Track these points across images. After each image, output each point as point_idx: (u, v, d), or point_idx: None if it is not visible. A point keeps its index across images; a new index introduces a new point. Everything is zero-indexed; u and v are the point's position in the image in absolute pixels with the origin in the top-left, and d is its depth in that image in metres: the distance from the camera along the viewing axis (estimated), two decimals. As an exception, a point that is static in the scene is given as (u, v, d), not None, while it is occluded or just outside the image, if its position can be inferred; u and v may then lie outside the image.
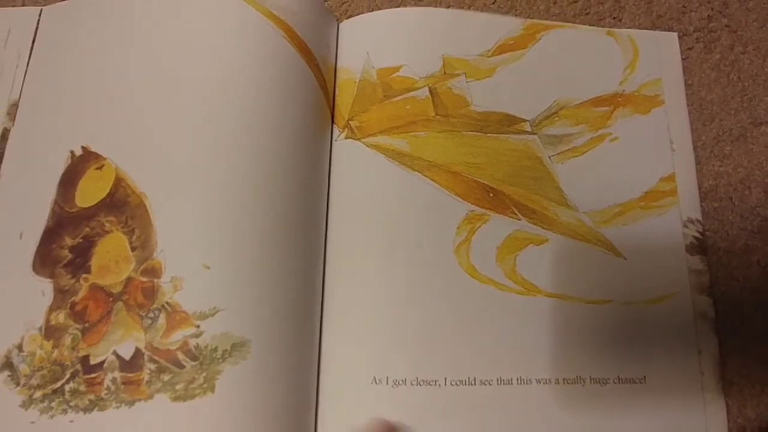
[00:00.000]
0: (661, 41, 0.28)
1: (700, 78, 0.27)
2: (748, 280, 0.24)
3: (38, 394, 0.21)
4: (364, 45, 0.26)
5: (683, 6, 0.29)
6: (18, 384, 0.22)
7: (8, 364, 0.22)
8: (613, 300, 0.23)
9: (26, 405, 0.21)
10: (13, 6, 0.29)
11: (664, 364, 0.23)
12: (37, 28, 0.27)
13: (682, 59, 0.28)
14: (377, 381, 0.22)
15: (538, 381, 0.22)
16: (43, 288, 0.22)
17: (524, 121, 0.25)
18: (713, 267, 0.24)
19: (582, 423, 0.22)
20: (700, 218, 0.25)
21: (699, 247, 0.24)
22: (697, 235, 0.25)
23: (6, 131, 0.26)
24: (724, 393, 0.23)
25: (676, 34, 0.28)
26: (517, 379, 0.22)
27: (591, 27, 0.27)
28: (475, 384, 0.22)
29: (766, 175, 0.26)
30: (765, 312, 0.24)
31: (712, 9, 0.28)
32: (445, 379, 0.22)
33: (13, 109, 0.26)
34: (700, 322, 0.23)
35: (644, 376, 0.22)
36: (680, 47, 0.28)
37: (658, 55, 0.27)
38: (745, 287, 0.24)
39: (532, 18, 0.28)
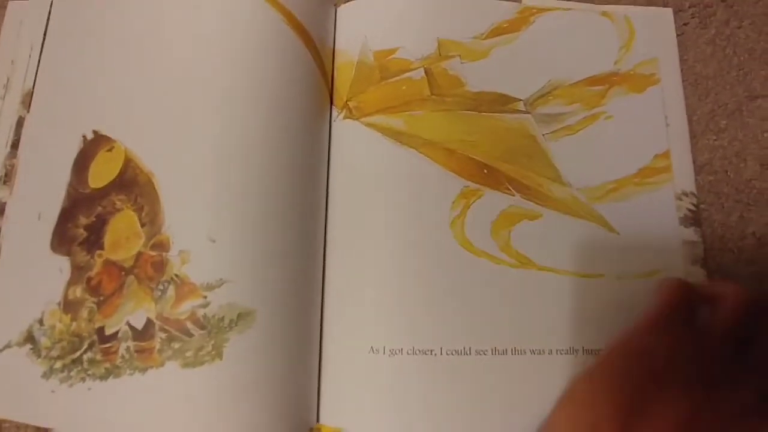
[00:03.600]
0: (656, 18, 0.28)
1: (696, 53, 0.27)
2: (743, 252, 0.25)
3: (58, 364, 0.23)
4: (361, 28, 0.27)
5: (679, -17, 0.29)
6: (39, 356, 0.23)
7: (30, 338, 0.23)
8: (606, 274, 0.24)
9: (47, 375, 0.23)
10: None
11: None
12: (48, 18, 0.29)
13: (678, 35, 0.28)
14: (374, 350, 0.22)
15: (532, 351, 0.23)
16: (61, 265, 0.24)
17: (518, 100, 0.26)
18: (708, 239, 0.25)
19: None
20: (694, 191, 0.25)
21: (693, 219, 0.25)
22: (691, 207, 0.25)
23: (21, 119, 0.27)
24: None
25: (671, 9, 0.28)
26: (512, 350, 0.23)
27: (586, 9, 0.28)
28: (470, 354, 0.23)
29: (761, 148, 0.26)
30: (760, 283, 0.24)
31: (708, -16, 0.29)
32: (441, 348, 0.23)
33: (27, 98, 0.27)
34: None
35: None
36: (675, 23, 0.28)
37: (654, 33, 0.27)
38: (741, 259, 0.24)
39: (529, -2, 0.28)
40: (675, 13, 0.28)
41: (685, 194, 0.25)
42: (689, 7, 0.28)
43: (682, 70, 0.27)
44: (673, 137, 0.26)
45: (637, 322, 0.21)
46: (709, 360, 0.19)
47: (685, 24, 0.28)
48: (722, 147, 0.26)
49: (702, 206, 0.25)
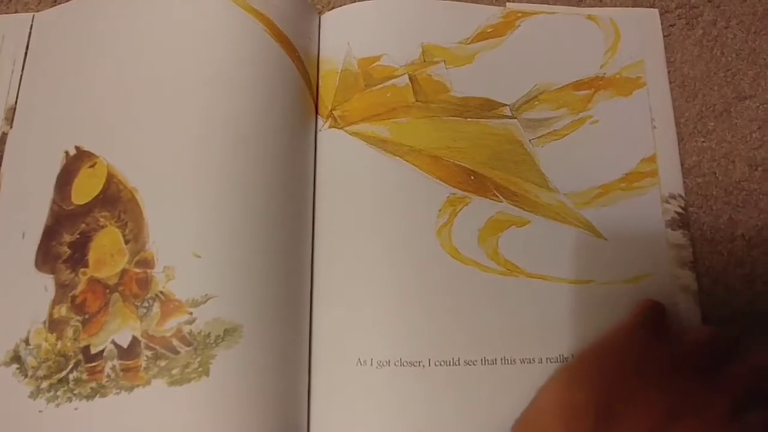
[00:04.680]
0: (642, 20, 0.28)
1: (683, 54, 0.27)
2: (733, 254, 0.24)
3: (45, 384, 0.22)
4: (344, 36, 0.27)
5: (665, -17, 0.28)
6: (26, 376, 0.23)
7: (17, 358, 0.23)
8: (595, 280, 0.24)
9: (34, 395, 0.22)
10: (7, 12, 0.30)
11: None
12: (30, 33, 0.28)
13: (664, 36, 0.28)
14: (362, 362, 0.22)
15: (522, 361, 0.23)
16: (46, 283, 0.24)
17: (504, 105, 0.26)
18: (697, 242, 0.25)
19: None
20: (682, 194, 0.25)
21: (681, 221, 0.25)
22: (679, 210, 0.25)
23: (4, 135, 0.27)
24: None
25: (657, 10, 0.28)
26: (502, 359, 0.23)
27: (571, 12, 0.28)
28: (459, 364, 0.23)
29: (750, 149, 0.26)
30: (749, 285, 0.24)
31: (694, -15, 0.28)
32: (430, 359, 0.22)
33: (10, 114, 0.27)
34: (682, 295, 0.24)
35: None
36: (662, 24, 0.28)
37: (640, 36, 0.27)
38: (730, 261, 0.24)
39: (514, 1, 0.28)
40: (661, 14, 0.28)
41: (673, 197, 0.25)
42: (675, 8, 0.28)
43: (669, 72, 0.27)
44: (660, 140, 0.26)
45: (615, 325, 0.22)
46: (679, 370, 0.19)
47: (671, 25, 0.28)
48: (710, 149, 0.26)
49: (691, 209, 0.25)
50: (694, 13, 0.28)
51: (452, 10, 0.27)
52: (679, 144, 0.26)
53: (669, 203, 0.25)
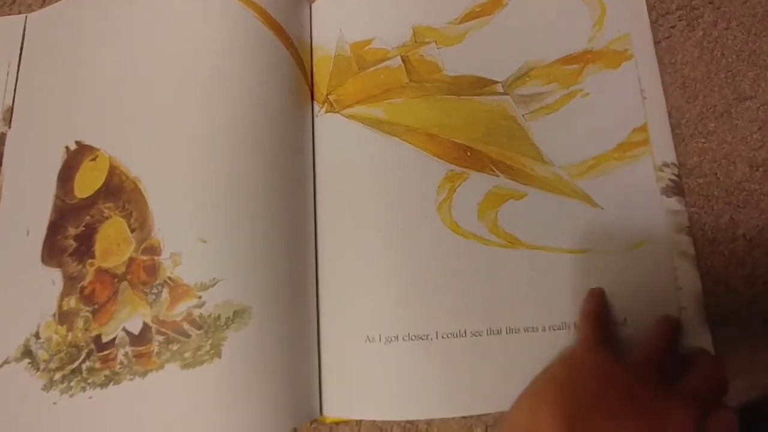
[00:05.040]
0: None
1: (684, 56, 0.27)
2: (734, 254, 0.24)
3: (58, 375, 0.23)
4: (336, 22, 0.27)
5: (664, -17, 0.28)
6: (38, 369, 0.23)
7: (28, 352, 0.23)
8: (592, 249, 0.24)
9: (47, 388, 0.23)
10: (11, 14, 0.30)
11: (644, 306, 0.24)
12: (23, 34, 0.28)
13: (665, 38, 0.27)
14: (370, 339, 0.23)
15: (526, 329, 0.23)
16: (53, 277, 0.24)
17: (496, 82, 0.26)
18: (699, 242, 0.24)
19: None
20: (675, 161, 0.26)
21: (675, 188, 0.25)
22: (673, 177, 0.25)
23: (3, 135, 0.27)
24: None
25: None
26: (506, 329, 0.23)
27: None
28: (465, 336, 0.23)
29: (750, 150, 0.26)
30: (751, 284, 0.24)
31: (694, -14, 0.28)
32: (437, 332, 0.23)
33: (8, 114, 0.27)
34: (680, 260, 0.24)
35: (624, 318, 0.23)
36: (663, 26, 0.28)
37: (625, 8, 0.28)
38: (731, 261, 0.24)
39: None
40: (662, 16, 0.28)
41: (666, 165, 0.25)
42: (676, 10, 0.28)
43: (669, 73, 0.27)
44: (651, 110, 0.26)
45: (574, 347, 0.22)
46: (640, 396, 0.19)
47: (672, 27, 0.28)
48: (711, 149, 0.26)
49: (692, 209, 0.25)
50: (695, 14, 0.28)
51: (441, -8, 0.27)
52: (680, 145, 0.26)
53: (662, 171, 0.25)
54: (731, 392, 0.21)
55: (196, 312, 0.22)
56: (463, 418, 0.23)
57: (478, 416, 0.23)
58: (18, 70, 0.28)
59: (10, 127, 0.27)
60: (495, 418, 0.23)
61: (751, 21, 0.27)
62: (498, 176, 0.25)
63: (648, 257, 0.24)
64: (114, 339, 0.23)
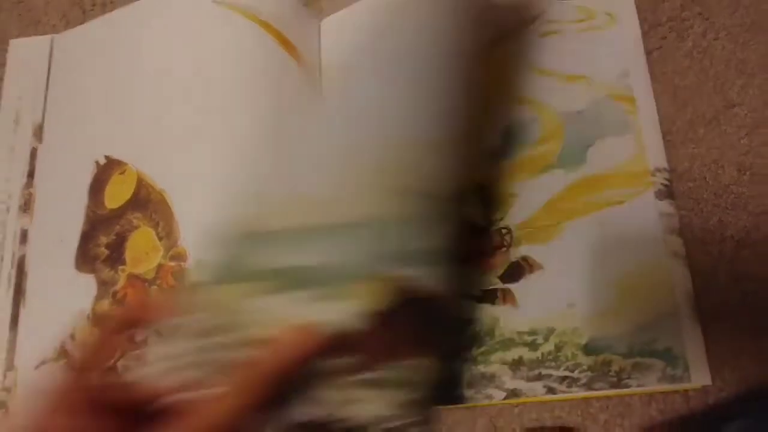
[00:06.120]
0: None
1: (674, 66, 0.29)
2: (723, 254, 0.26)
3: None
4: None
5: (656, -3, 0.30)
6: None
7: (63, 353, 0.25)
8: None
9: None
10: (36, 34, 0.31)
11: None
12: (50, 54, 0.30)
13: (656, 48, 0.29)
14: None
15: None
16: (87, 282, 0.26)
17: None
18: (689, 244, 0.26)
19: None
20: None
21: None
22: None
23: (34, 150, 0.29)
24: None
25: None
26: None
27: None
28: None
29: (738, 154, 0.27)
30: (741, 282, 0.25)
31: (685, -2, 0.29)
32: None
33: (38, 130, 0.29)
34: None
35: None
36: (653, 37, 0.29)
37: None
38: (721, 260, 0.26)
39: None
40: (652, 27, 0.29)
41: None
42: (667, 21, 0.29)
43: (660, 83, 0.28)
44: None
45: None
46: None
47: (663, 38, 0.29)
48: (701, 155, 0.27)
49: (682, 212, 0.26)
50: (685, 25, 0.29)
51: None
52: (670, 150, 0.27)
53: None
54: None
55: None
56: (467, 408, 0.24)
57: (482, 408, 0.24)
58: (46, 88, 0.29)
59: (41, 143, 0.29)
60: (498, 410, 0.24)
61: (739, 31, 0.29)
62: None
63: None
64: (145, 340, 0.24)
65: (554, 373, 0.24)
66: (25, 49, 0.30)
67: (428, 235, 0.18)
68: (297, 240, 0.16)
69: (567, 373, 0.24)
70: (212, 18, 0.27)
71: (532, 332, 0.25)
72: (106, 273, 0.26)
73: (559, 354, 0.24)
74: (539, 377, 0.24)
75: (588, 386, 0.24)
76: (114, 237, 0.26)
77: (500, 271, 0.25)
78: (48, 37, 0.31)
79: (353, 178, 0.17)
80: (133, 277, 0.25)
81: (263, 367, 0.14)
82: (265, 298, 0.15)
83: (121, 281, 0.25)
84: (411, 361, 0.17)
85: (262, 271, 0.16)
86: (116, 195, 0.27)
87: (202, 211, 0.25)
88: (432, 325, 0.19)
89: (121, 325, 0.17)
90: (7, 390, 0.24)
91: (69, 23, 0.32)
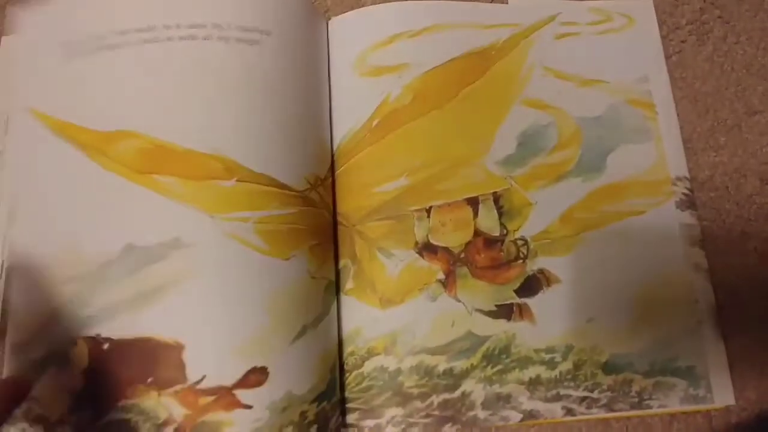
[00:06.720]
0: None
1: (694, 70, 0.28)
2: (746, 268, 0.25)
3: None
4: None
5: (675, 0, 0.29)
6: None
7: None
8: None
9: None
10: None
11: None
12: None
13: (676, 52, 0.28)
14: None
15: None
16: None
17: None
18: (710, 255, 0.25)
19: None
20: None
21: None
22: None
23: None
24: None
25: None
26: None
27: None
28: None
29: (761, 163, 0.26)
30: (764, 297, 0.24)
31: (704, 1, 0.29)
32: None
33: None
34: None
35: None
36: (673, 41, 0.28)
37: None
38: (744, 274, 0.25)
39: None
40: (672, 30, 0.28)
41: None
42: (686, 25, 0.28)
43: (680, 88, 0.27)
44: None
45: None
46: None
47: (682, 41, 0.28)
48: (722, 163, 0.26)
49: (704, 223, 0.26)
50: (705, 29, 0.28)
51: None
52: (691, 159, 0.26)
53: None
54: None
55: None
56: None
57: (497, 429, 0.23)
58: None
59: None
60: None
61: (760, 35, 0.28)
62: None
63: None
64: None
65: (573, 393, 0.23)
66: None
67: None
68: None
69: (586, 393, 0.23)
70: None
71: (550, 350, 0.23)
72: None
73: (578, 373, 0.23)
74: (558, 398, 0.23)
75: (608, 407, 0.23)
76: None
77: (516, 285, 0.24)
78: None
79: None
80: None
81: None
82: None
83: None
84: None
85: None
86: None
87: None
88: None
89: None
90: None
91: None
